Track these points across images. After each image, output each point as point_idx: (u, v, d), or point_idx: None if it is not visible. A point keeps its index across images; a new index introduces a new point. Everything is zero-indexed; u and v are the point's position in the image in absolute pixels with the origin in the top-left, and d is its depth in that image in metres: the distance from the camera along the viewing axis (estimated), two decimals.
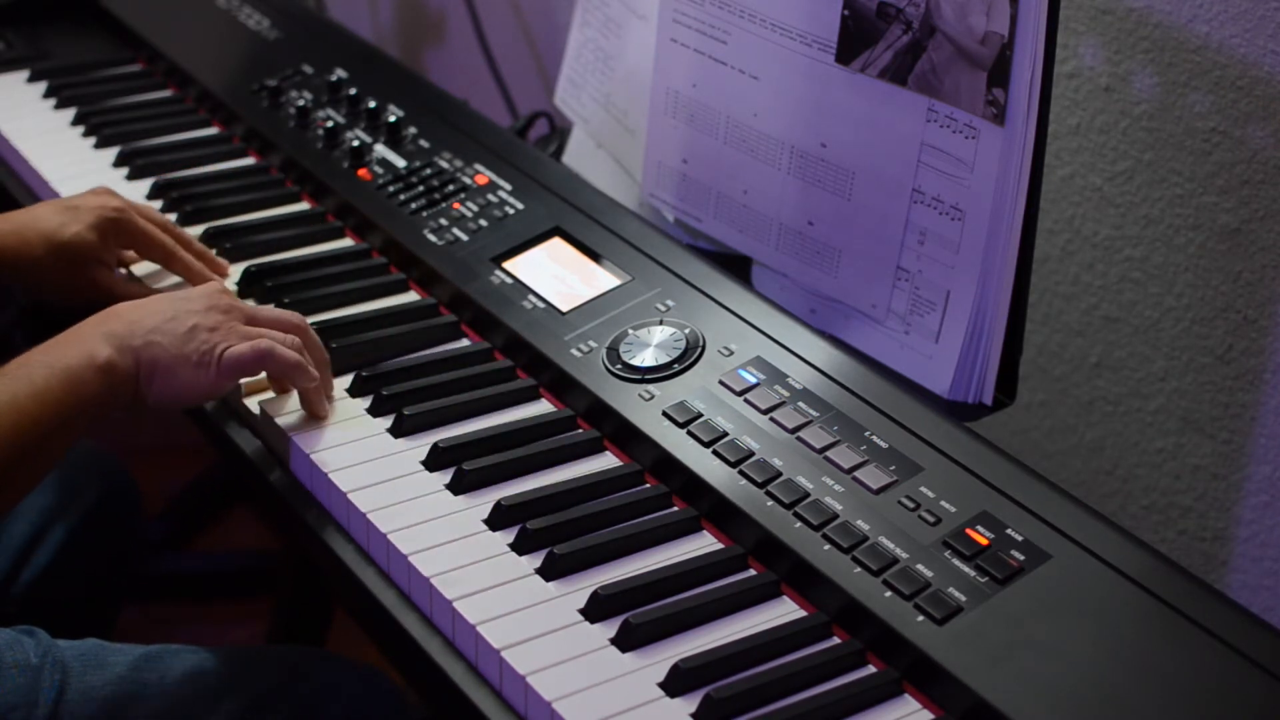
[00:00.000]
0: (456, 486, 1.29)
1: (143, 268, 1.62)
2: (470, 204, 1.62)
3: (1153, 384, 1.70)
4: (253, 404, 1.39)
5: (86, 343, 1.29)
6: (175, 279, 1.59)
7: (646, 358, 1.38)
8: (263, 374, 1.38)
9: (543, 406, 1.40)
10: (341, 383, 1.42)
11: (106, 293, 1.54)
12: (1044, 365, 1.81)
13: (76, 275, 1.54)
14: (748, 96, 1.54)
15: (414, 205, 1.64)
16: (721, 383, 1.34)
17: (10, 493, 1.27)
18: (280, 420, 1.37)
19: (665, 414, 1.32)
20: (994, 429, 1.72)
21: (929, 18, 1.37)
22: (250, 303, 1.43)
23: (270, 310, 1.40)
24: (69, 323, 1.31)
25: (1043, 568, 1.14)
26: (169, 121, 1.94)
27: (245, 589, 2.62)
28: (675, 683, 1.10)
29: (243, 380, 1.40)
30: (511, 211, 1.60)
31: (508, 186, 1.64)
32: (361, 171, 1.72)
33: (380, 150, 1.74)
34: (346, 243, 1.68)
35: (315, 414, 1.37)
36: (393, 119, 1.76)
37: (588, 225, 1.56)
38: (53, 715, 1.30)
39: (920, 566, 1.15)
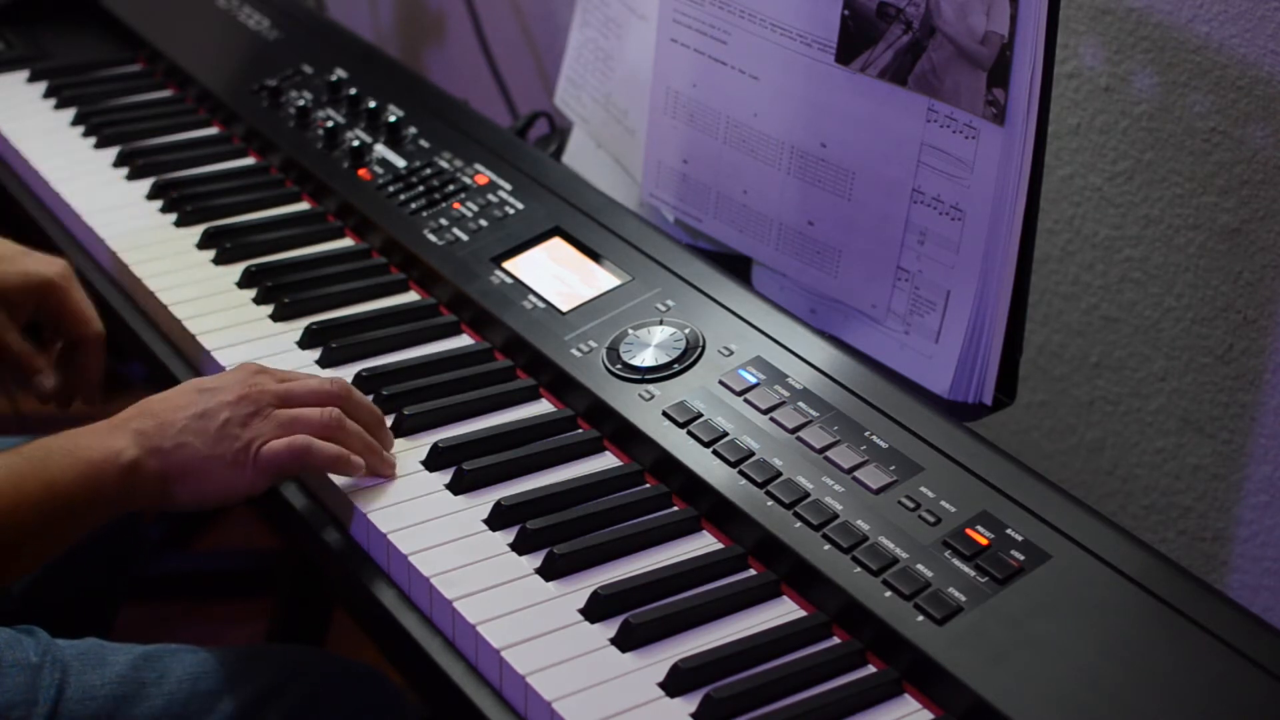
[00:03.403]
0: (456, 486, 1.29)
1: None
2: (470, 204, 1.62)
3: (1153, 384, 1.70)
4: None
5: (115, 438, 1.23)
6: None
7: (646, 358, 1.38)
8: None
9: (543, 406, 1.40)
10: None
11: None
12: (1044, 365, 1.81)
13: None
14: (748, 96, 1.54)
15: (414, 205, 1.64)
16: (721, 383, 1.34)
17: (5, 575, 1.24)
18: None
19: (665, 414, 1.32)
20: (994, 429, 1.72)
21: (929, 18, 1.37)
22: (285, 370, 1.35)
23: (305, 385, 1.31)
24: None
25: (1043, 568, 1.14)
26: (169, 121, 1.94)
27: (245, 589, 2.62)
28: (675, 683, 1.10)
29: None
30: (511, 211, 1.60)
31: (508, 186, 1.64)
32: (361, 171, 1.72)
33: (380, 150, 1.74)
34: (346, 243, 1.68)
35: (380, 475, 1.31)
36: (393, 119, 1.76)
37: (588, 225, 1.56)
38: (52, 714, 1.30)
39: (920, 566, 1.15)
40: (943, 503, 1.20)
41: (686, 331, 1.40)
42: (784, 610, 1.18)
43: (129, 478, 1.23)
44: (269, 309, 1.55)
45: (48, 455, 1.22)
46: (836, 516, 1.20)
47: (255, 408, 1.27)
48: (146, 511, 1.26)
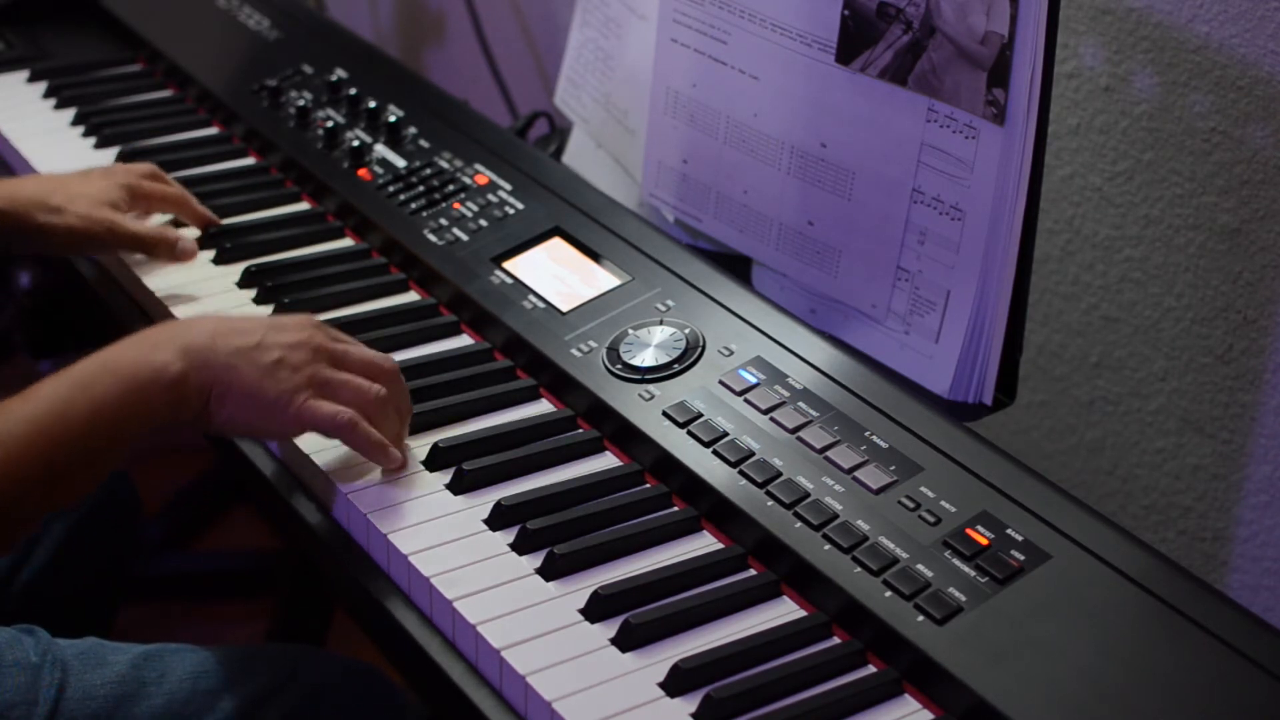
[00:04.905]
0: (456, 486, 1.29)
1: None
2: (470, 204, 1.62)
3: (1153, 384, 1.70)
4: None
5: (159, 353, 1.22)
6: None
7: (646, 358, 1.38)
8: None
9: (543, 406, 1.40)
10: None
11: (117, 234, 1.58)
12: (1044, 365, 1.81)
13: (92, 222, 1.57)
14: (748, 96, 1.54)
15: (414, 205, 1.64)
16: (721, 383, 1.34)
17: (45, 505, 1.21)
18: None
19: (665, 414, 1.32)
20: (994, 429, 1.72)
21: (929, 18, 1.37)
22: (340, 333, 1.34)
23: (361, 353, 1.31)
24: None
25: (1043, 568, 1.14)
26: (169, 121, 1.94)
27: (245, 589, 2.62)
28: (675, 683, 1.10)
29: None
30: (511, 211, 1.60)
31: (508, 186, 1.64)
32: (361, 171, 1.72)
33: (380, 150, 1.74)
34: (346, 243, 1.68)
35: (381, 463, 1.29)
36: (393, 119, 1.76)
37: (588, 225, 1.56)
38: (53, 714, 1.30)
39: (920, 566, 1.15)
40: (943, 503, 1.20)
41: (686, 331, 1.40)
42: (784, 610, 1.18)
43: (174, 395, 1.21)
44: (269, 309, 1.55)
45: (91, 378, 1.20)
46: (836, 516, 1.20)
47: (310, 356, 1.27)
48: (185, 430, 1.25)
